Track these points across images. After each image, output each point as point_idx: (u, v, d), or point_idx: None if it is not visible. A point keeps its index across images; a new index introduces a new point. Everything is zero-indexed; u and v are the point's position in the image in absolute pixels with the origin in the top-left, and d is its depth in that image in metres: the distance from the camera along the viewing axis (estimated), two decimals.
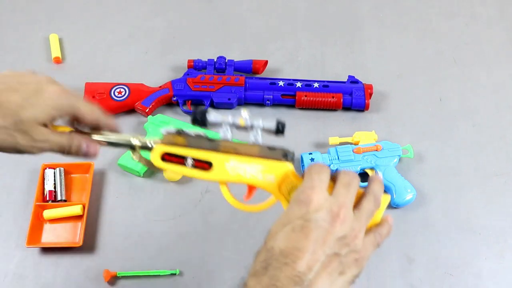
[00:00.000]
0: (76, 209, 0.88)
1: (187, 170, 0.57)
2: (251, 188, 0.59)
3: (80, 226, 0.88)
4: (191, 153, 0.57)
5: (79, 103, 0.58)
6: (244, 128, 0.57)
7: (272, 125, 0.56)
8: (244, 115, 0.57)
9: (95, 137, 0.61)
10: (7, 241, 0.87)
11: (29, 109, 0.54)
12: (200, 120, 0.57)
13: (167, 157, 0.57)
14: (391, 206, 0.89)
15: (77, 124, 0.60)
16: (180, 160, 0.57)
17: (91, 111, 0.59)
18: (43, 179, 0.91)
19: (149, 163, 0.60)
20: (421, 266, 0.85)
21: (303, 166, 0.93)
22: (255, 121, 0.56)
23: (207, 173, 0.57)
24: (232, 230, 0.88)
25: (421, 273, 0.84)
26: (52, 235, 0.87)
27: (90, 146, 0.60)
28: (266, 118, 0.56)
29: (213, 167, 0.56)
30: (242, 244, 0.87)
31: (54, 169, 0.92)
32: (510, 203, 0.92)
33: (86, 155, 0.60)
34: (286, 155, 0.57)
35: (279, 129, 0.56)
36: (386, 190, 0.91)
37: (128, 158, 0.93)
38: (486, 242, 0.87)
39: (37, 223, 0.87)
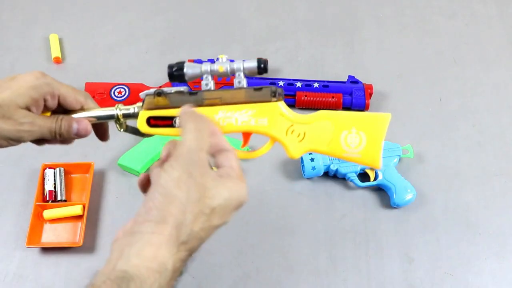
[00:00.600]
0: (76, 209, 0.88)
1: (177, 131, 0.54)
2: (246, 135, 0.57)
3: (80, 226, 0.88)
4: (177, 112, 0.54)
5: (58, 83, 0.57)
6: (225, 75, 0.54)
7: (253, 64, 0.54)
8: (222, 60, 0.54)
9: (77, 115, 0.58)
10: (7, 241, 0.87)
11: (5, 91, 0.53)
12: (177, 75, 0.54)
13: (153, 122, 0.55)
14: (391, 206, 0.90)
15: (58, 107, 0.58)
16: (167, 122, 0.55)
17: (72, 90, 0.58)
18: (43, 179, 0.91)
19: (136, 131, 0.58)
20: (421, 266, 0.85)
21: (303, 166, 0.93)
22: (235, 64, 0.54)
23: None
24: (232, 230, 0.88)
25: (421, 273, 0.84)
26: (52, 235, 0.87)
27: (80, 123, 0.57)
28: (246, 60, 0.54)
29: None
30: (242, 244, 0.87)
31: (54, 169, 0.91)
32: (510, 203, 0.92)
33: (77, 134, 0.57)
34: (275, 93, 0.54)
35: (261, 67, 0.54)
36: (386, 190, 0.91)
37: (128, 158, 0.93)
38: (486, 242, 0.87)
39: (37, 223, 0.87)
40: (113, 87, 1.02)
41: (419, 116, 1.03)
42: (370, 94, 1.02)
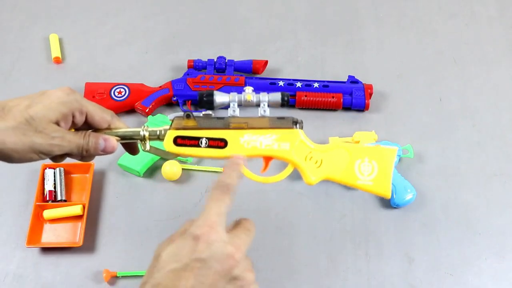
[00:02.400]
0: (76, 209, 0.88)
1: (203, 151, 0.58)
2: (267, 160, 0.60)
3: (80, 226, 0.88)
4: (205, 134, 0.58)
5: (86, 100, 0.59)
6: (250, 105, 0.59)
7: (278, 97, 0.59)
8: (248, 91, 0.59)
9: (105, 133, 0.60)
10: (7, 241, 0.87)
11: (38, 105, 0.55)
12: (207, 102, 0.58)
13: (180, 141, 0.58)
14: (391, 206, 0.90)
15: (84, 125, 0.60)
16: (194, 142, 0.58)
17: (99, 109, 0.60)
18: (43, 179, 0.91)
19: (159, 151, 0.61)
20: (421, 266, 0.85)
21: None
22: (261, 96, 0.58)
23: (223, 151, 0.58)
24: None
25: (421, 273, 0.84)
26: (52, 235, 0.87)
27: (107, 140, 0.59)
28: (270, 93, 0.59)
29: (228, 144, 0.58)
30: None
31: (54, 169, 0.92)
32: (510, 203, 0.92)
33: (104, 150, 0.59)
34: (296, 123, 0.59)
35: (285, 100, 0.59)
36: None
37: (128, 158, 0.93)
38: (486, 242, 0.87)
39: (37, 223, 0.87)
40: (113, 87, 1.02)
41: (419, 116, 1.03)
42: (370, 94, 1.02)
